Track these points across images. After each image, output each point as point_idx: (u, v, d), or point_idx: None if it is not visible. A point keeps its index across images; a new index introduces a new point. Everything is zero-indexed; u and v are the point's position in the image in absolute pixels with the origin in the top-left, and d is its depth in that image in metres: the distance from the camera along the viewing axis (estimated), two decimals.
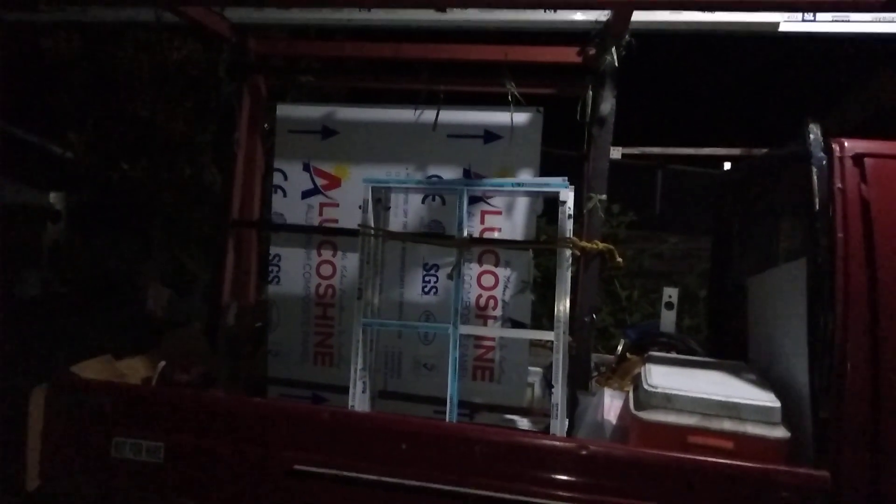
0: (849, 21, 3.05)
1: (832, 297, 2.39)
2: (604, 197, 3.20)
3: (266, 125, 3.93)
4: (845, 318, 2.36)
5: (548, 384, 3.28)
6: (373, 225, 3.22)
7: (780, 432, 2.41)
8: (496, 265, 3.61)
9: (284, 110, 3.85)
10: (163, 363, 3.25)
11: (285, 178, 3.81)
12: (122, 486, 2.68)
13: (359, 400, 3.12)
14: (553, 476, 2.46)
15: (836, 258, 2.40)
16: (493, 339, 3.61)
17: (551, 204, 3.13)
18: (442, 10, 3.13)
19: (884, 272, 2.35)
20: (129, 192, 6.96)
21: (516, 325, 3.57)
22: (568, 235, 3.02)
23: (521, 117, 3.54)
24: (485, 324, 3.62)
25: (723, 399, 2.48)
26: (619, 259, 3.22)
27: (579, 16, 3.25)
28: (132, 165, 6.85)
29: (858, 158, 2.46)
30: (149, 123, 6.70)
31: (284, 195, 3.81)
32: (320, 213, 3.78)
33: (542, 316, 4.64)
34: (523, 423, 3.48)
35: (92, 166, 7.15)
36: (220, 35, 3.60)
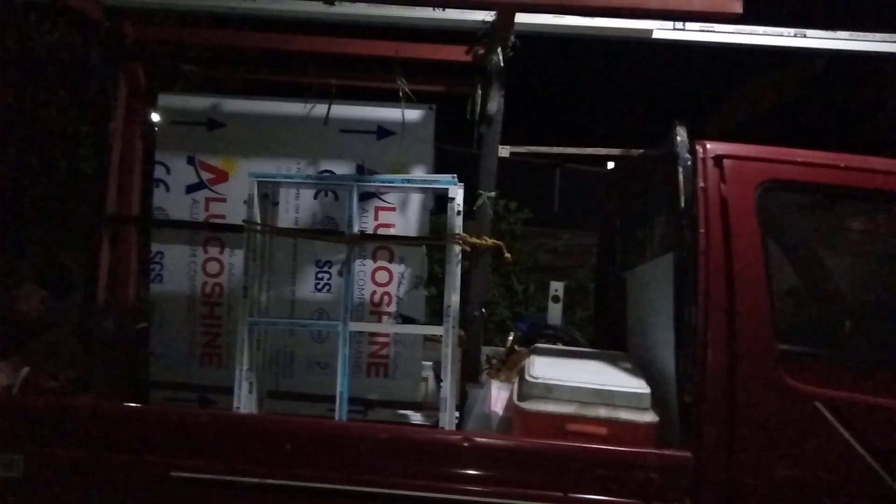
0: (714, 31, 3.28)
1: (695, 289, 2.55)
2: (493, 194, 3.26)
3: (155, 116, 3.73)
4: (706, 309, 2.53)
5: (439, 378, 3.32)
6: (259, 221, 3.13)
7: (650, 417, 2.55)
8: (390, 261, 3.62)
9: (167, 100, 3.67)
10: (26, 369, 3.01)
11: (168, 171, 3.64)
12: None
13: (245, 401, 3.03)
14: (439, 469, 2.49)
15: (699, 253, 2.57)
16: (387, 335, 3.62)
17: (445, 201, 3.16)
18: (330, 3, 3.08)
19: (739, 266, 2.54)
20: None
21: (409, 320, 3.59)
22: (457, 232, 3.07)
23: (413, 114, 3.56)
24: (379, 320, 3.62)
25: (598, 387, 2.59)
26: (508, 255, 3.30)
27: (467, 15, 3.30)
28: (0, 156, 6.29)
29: (718, 160, 2.64)
30: (17, 111, 6.16)
31: (167, 189, 3.64)
32: (206, 209, 3.64)
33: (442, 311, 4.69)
34: (417, 417, 3.51)
35: None
36: (90, 18, 3.36)
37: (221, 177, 3.64)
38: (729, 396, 2.49)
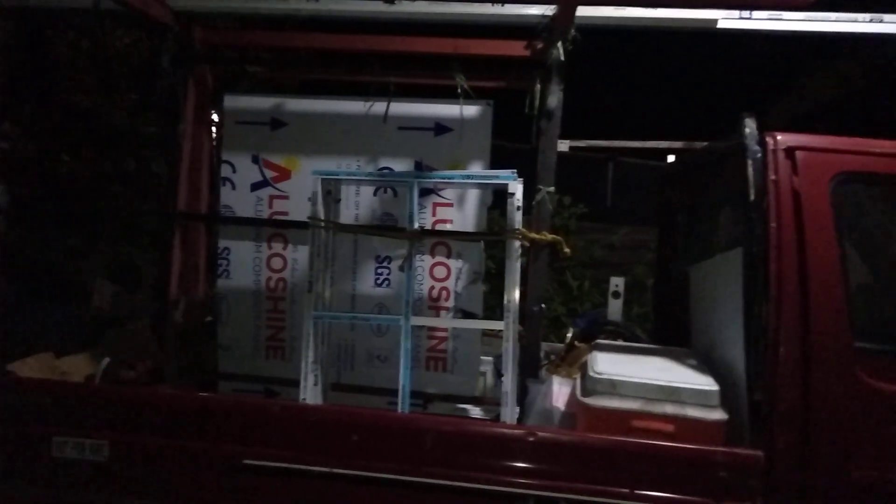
0: (782, 19, 3.17)
1: (766, 285, 2.49)
2: (552, 189, 3.25)
3: (214, 116, 3.86)
4: (778, 305, 2.47)
5: (499, 373, 3.33)
6: (323, 217, 3.20)
7: (719, 414, 2.51)
8: (448, 257, 3.65)
9: (232, 101, 3.79)
10: (107, 360, 3.17)
11: (234, 170, 3.75)
12: (64, 486, 2.61)
13: (310, 393, 3.11)
14: (503, 463, 2.50)
15: (770, 247, 2.51)
16: (445, 329, 3.65)
17: (504, 196, 3.17)
18: (390, 1, 3.12)
19: (813, 260, 2.47)
20: (72, 185, 6.74)
21: (468, 315, 3.61)
22: (517, 227, 3.07)
23: (471, 110, 3.57)
24: (437, 315, 3.65)
25: (664, 384, 2.56)
26: (567, 250, 3.27)
27: (526, 10, 3.29)
28: (74, 157, 6.62)
29: (790, 151, 2.57)
30: (91, 113, 6.47)
31: (233, 187, 3.76)
32: (270, 206, 3.74)
33: (496, 306, 4.70)
34: (476, 411, 3.53)
35: (32, 158, 6.88)
36: (162, 23, 3.50)
37: (284, 175, 3.73)
38: (803, 395, 2.43)
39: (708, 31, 3.30)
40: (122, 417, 2.65)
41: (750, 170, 2.57)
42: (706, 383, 2.58)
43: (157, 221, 4.15)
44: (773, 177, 2.55)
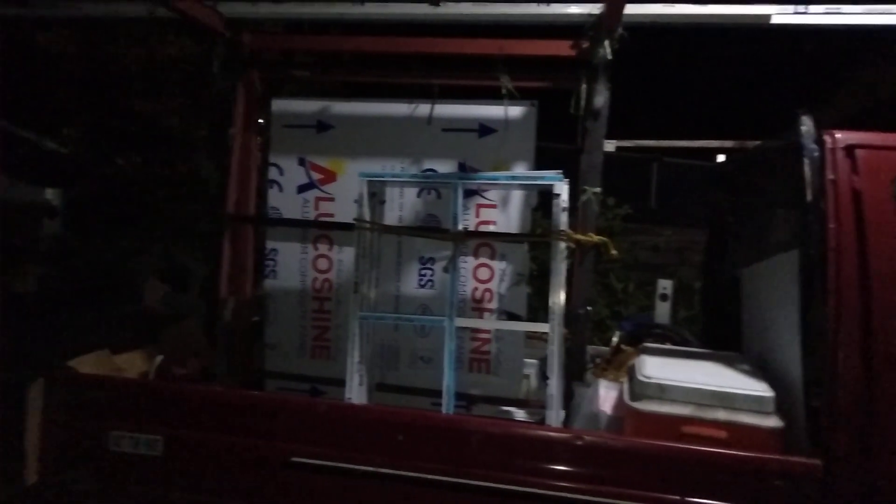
0: (840, 13, 3.06)
1: (824, 288, 2.41)
2: (598, 190, 3.21)
3: (261, 120, 3.94)
4: (837, 308, 2.38)
5: (543, 376, 3.30)
6: (368, 219, 3.23)
7: (774, 421, 2.43)
8: (492, 258, 3.64)
9: (279, 105, 3.86)
10: (160, 357, 3.26)
11: (281, 172, 3.82)
12: (121, 479, 2.69)
13: (356, 392, 3.14)
14: (549, 466, 2.48)
15: (828, 249, 2.42)
16: (489, 331, 3.64)
17: (547, 197, 3.14)
18: (435, 3, 3.13)
19: (875, 262, 2.37)
20: (125, 188, 6.97)
21: (512, 317, 3.59)
22: (562, 228, 3.04)
23: (515, 111, 3.55)
24: (481, 316, 3.64)
25: (716, 389, 2.50)
26: (614, 251, 3.23)
27: (573, 9, 3.26)
28: (127, 161, 6.85)
29: (850, 150, 2.48)
30: (143, 118, 6.69)
31: (280, 190, 3.82)
32: (316, 208, 3.79)
33: (539, 309, 4.67)
34: (520, 414, 3.51)
35: (87, 162, 7.15)
36: (213, 30, 3.59)
37: (330, 177, 3.78)
38: (863, 401, 2.34)
39: (760, 28, 3.21)
40: (175, 413, 2.72)
41: (807, 169, 2.49)
42: (761, 389, 2.51)
43: (207, 223, 4.24)
44: (831, 176, 2.47)
